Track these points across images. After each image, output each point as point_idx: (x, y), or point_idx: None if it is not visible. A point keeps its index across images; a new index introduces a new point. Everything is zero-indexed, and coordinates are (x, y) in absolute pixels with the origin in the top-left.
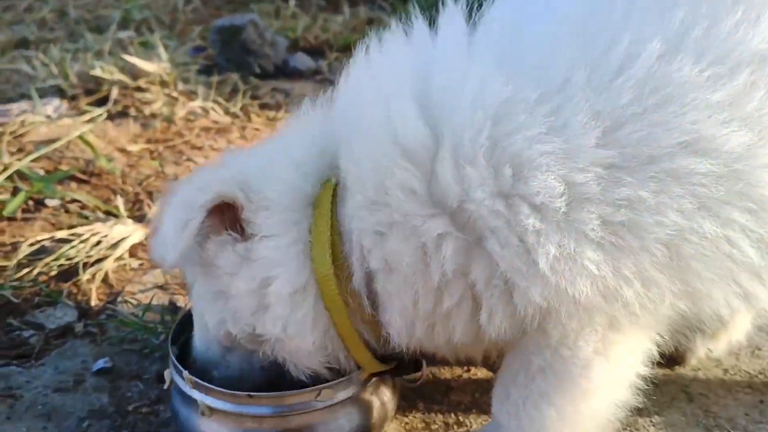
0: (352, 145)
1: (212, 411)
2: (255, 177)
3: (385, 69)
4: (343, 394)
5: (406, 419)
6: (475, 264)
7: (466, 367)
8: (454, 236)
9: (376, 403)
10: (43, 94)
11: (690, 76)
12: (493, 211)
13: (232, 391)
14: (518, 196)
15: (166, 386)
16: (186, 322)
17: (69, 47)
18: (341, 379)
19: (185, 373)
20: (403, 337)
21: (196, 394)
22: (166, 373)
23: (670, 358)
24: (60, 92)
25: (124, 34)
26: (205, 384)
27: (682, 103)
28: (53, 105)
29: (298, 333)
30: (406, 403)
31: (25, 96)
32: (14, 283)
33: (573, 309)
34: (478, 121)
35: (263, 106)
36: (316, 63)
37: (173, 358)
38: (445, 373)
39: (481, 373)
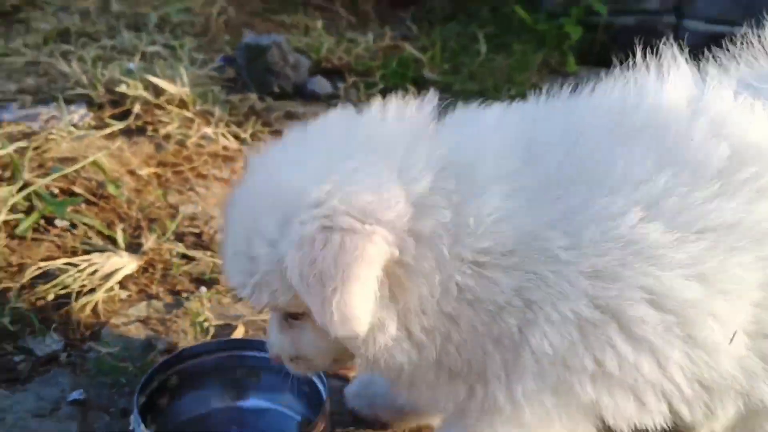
0: None
1: None
2: None
3: None
4: None
5: None
6: None
7: None
8: None
9: None
10: (72, 99)
11: (662, 237)
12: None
13: None
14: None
15: (130, 429)
16: (154, 373)
17: (105, 44)
18: None
19: (142, 427)
20: None
21: None
22: (131, 418)
23: None
24: (88, 100)
25: (157, 44)
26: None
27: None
28: (79, 113)
29: None
30: None
31: (54, 99)
32: (16, 306)
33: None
34: None
35: (273, 133)
36: (335, 86)
37: (136, 411)
38: None
39: None
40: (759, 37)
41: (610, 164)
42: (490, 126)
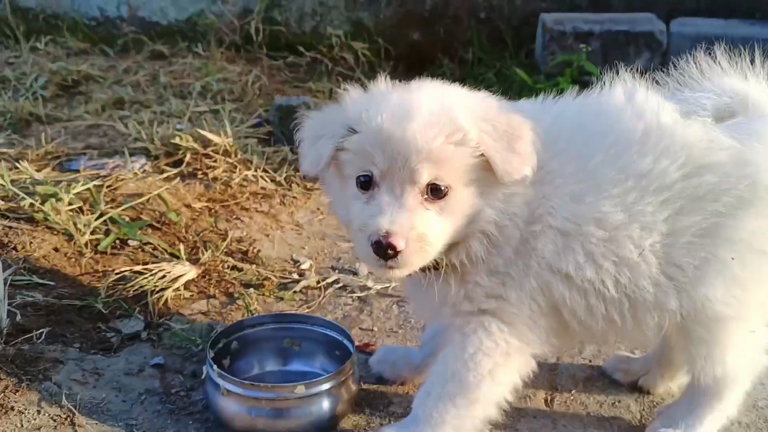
0: None
1: (229, 392)
2: None
3: None
4: (314, 390)
5: (354, 419)
6: None
7: (405, 388)
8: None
9: (341, 397)
10: (132, 152)
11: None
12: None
13: (241, 380)
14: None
15: (202, 377)
16: (220, 336)
17: (156, 110)
18: (316, 379)
19: (215, 367)
20: None
21: (220, 381)
22: (204, 368)
23: (637, 388)
24: (146, 152)
25: (201, 106)
26: (226, 374)
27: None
28: (140, 162)
29: None
30: (357, 408)
31: (117, 152)
32: (105, 299)
33: (486, 336)
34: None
35: (304, 178)
36: None
37: (209, 358)
38: (388, 390)
39: (413, 392)
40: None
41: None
42: None
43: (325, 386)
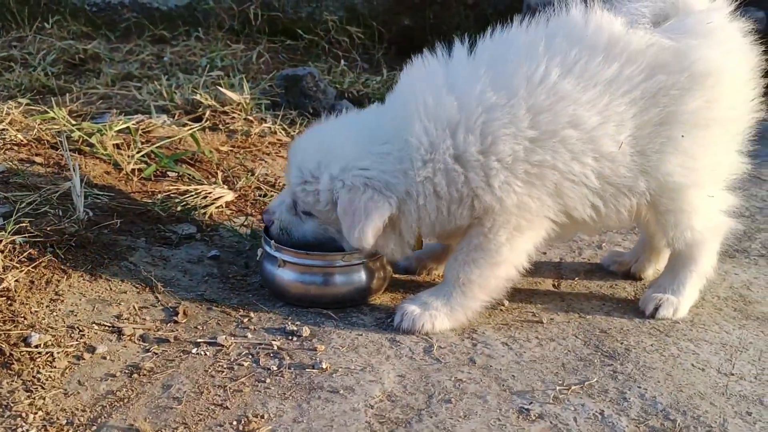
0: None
1: (285, 263)
2: None
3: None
4: (356, 260)
5: (390, 295)
6: (462, 184)
7: (431, 277)
8: (457, 170)
9: (378, 272)
10: (151, 112)
11: (574, 86)
12: (474, 159)
13: (297, 250)
14: (489, 152)
15: (258, 258)
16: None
17: (164, 83)
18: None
19: (272, 242)
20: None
21: (277, 254)
22: (259, 250)
23: (631, 275)
24: (166, 111)
25: (213, 74)
26: (283, 247)
27: (571, 100)
28: (162, 118)
29: None
30: (391, 290)
31: (137, 112)
32: (160, 210)
33: (500, 213)
34: (478, 112)
35: None
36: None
37: (265, 236)
38: (417, 279)
39: (439, 280)
40: None
41: (535, 47)
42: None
43: (365, 258)
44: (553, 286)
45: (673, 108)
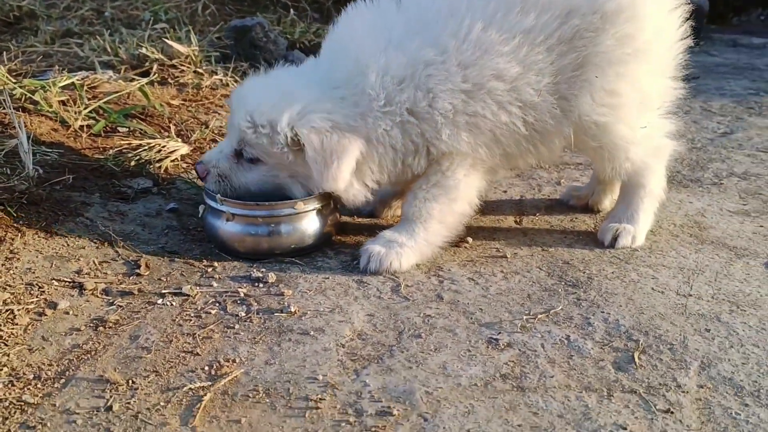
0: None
1: (233, 216)
2: None
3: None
4: (310, 206)
5: (354, 238)
6: (417, 135)
7: (394, 219)
8: (412, 122)
9: (329, 217)
10: (95, 68)
11: (496, 39)
12: (425, 112)
13: (244, 202)
14: (433, 107)
15: (200, 215)
16: None
17: (107, 38)
18: (309, 197)
19: (218, 196)
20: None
21: (224, 207)
22: (200, 207)
23: (589, 208)
24: (111, 67)
25: (158, 26)
26: (229, 200)
27: (494, 52)
28: (108, 74)
29: None
30: (354, 231)
31: (80, 69)
32: (113, 163)
33: (456, 154)
34: (419, 71)
35: None
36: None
37: (208, 190)
38: (381, 222)
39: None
40: None
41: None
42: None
43: (317, 204)
44: (515, 222)
45: (589, 50)
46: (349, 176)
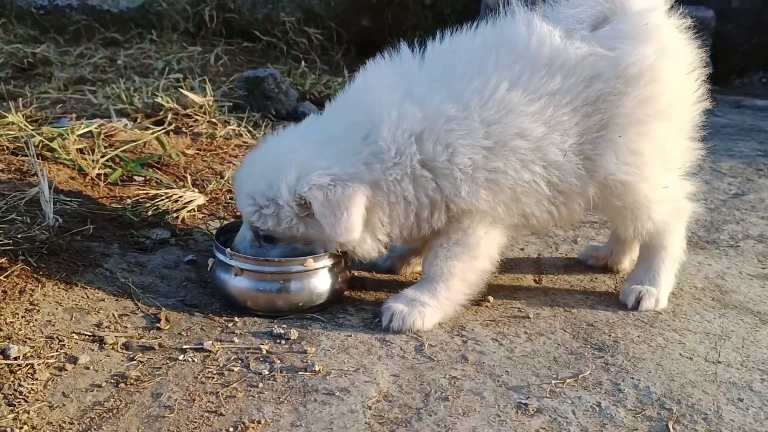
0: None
1: (242, 271)
2: None
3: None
4: (320, 264)
5: (375, 294)
6: (434, 190)
7: (414, 275)
8: (426, 176)
9: (340, 275)
10: (110, 116)
11: (521, 99)
12: (444, 167)
13: (254, 257)
14: (453, 162)
15: (209, 269)
16: (221, 232)
17: (121, 86)
18: (319, 255)
19: (227, 250)
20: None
21: (232, 261)
22: (209, 261)
23: (608, 268)
24: (125, 115)
25: (172, 76)
26: (239, 254)
27: (517, 112)
28: (123, 122)
29: None
30: (374, 287)
31: (96, 116)
32: (131, 215)
33: (476, 212)
34: (439, 125)
35: None
36: (320, 110)
37: (218, 244)
38: (400, 278)
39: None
40: None
41: (485, 60)
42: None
43: (328, 262)
44: (535, 281)
45: (612, 112)
46: (362, 224)
